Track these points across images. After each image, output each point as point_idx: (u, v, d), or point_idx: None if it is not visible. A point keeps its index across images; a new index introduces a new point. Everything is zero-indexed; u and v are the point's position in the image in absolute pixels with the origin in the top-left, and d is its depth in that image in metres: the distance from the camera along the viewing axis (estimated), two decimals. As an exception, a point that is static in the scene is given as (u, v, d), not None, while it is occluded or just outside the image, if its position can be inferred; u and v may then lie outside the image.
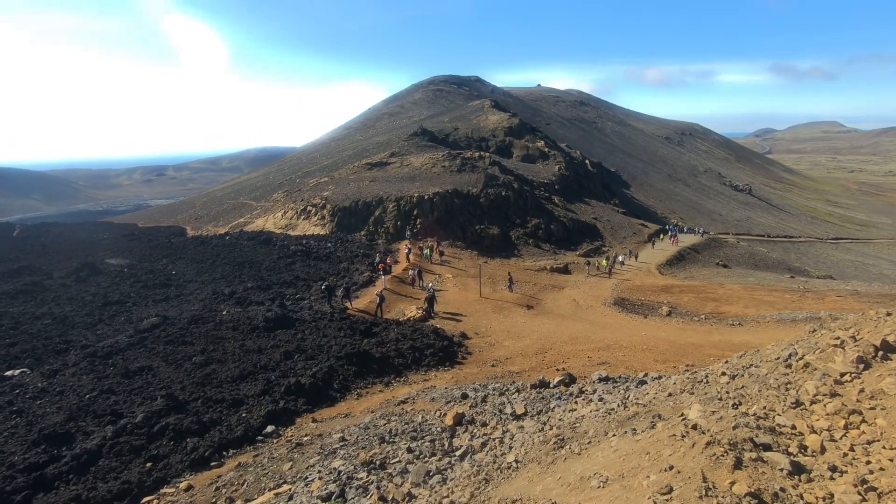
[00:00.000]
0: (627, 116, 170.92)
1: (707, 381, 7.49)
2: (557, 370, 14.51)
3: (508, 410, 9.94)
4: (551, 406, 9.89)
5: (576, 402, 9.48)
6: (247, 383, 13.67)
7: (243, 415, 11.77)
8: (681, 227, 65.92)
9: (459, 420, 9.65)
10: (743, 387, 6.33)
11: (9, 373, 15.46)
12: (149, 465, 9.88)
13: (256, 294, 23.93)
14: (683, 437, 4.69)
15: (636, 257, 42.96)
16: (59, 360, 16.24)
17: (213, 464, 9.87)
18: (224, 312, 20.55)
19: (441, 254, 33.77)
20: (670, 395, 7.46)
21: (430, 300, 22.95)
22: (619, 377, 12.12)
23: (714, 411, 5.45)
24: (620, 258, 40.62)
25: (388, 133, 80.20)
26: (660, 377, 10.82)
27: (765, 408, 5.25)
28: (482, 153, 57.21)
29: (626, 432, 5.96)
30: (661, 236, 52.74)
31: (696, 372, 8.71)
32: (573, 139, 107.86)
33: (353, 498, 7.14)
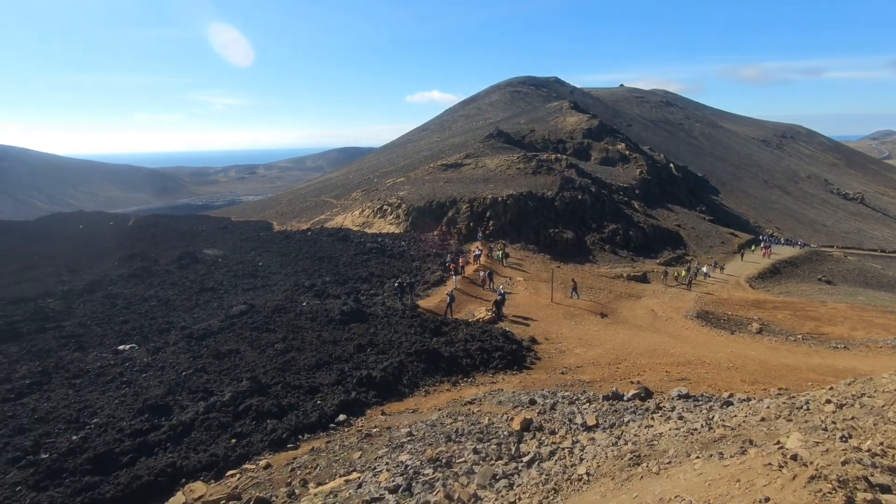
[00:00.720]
0: (718, 117, 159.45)
1: (808, 409, 6.78)
2: (632, 383, 13.81)
3: (579, 420, 9.61)
4: (625, 420, 9.43)
5: (652, 418, 8.96)
6: (322, 372, 14.34)
7: (318, 402, 12.33)
8: (777, 238, 60.34)
9: (527, 426, 9.47)
10: (853, 418, 5.65)
11: (121, 347, 17.43)
12: (233, 441, 10.64)
13: (334, 288, 25.07)
14: (781, 467, 4.25)
15: (722, 269, 39.86)
16: (161, 339, 18.04)
17: (289, 446, 10.43)
18: (304, 304, 21.73)
19: (507, 256, 33.31)
20: (763, 419, 6.82)
21: (500, 302, 22.76)
22: (701, 395, 11.33)
23: (818, 442, 4.90)
24: (705, 269, 37.74)
25: (463, 135, 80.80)
26: (749, 399, 9.97)
27: (881, 444, 4.64)
28: (558, 155, 55.93)
29: (711, 455, 5.52)
30: (753, 247, 48.53)
31: (793, 397, 7.90)
32: (657, 142, 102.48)
33: (419, 493, 7.22)
